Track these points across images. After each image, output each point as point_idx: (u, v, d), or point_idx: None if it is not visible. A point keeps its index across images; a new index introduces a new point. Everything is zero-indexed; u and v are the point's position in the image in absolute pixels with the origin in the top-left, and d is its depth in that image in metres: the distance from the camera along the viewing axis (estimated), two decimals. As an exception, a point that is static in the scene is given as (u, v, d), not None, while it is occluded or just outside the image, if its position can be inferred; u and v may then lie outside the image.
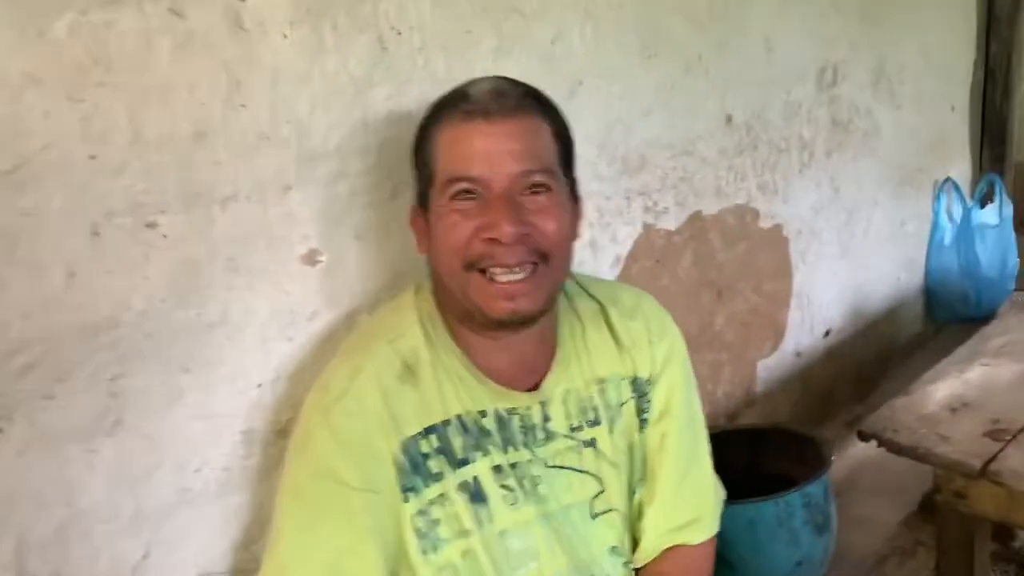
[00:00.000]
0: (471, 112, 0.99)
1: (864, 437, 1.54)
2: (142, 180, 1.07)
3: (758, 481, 1.78)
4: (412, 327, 1.07)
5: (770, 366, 2.16)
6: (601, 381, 1.14)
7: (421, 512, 1.03)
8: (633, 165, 1.71)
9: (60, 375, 1.04)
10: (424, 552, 1.03)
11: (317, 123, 1.21)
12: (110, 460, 1.09)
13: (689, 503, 1.16)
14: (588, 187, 1.61)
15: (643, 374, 1.16)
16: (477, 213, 0.98)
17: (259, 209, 1.18)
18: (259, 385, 1.21)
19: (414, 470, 1.03)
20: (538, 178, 0.99)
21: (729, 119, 1.89)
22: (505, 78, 1.05)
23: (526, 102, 1.01)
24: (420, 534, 1.02)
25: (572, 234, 1.07)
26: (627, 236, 1.73)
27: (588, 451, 1.12)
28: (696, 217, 1.87)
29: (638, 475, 1.16)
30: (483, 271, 0.99)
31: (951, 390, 1.64)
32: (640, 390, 1.16)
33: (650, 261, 1.79)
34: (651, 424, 1.17)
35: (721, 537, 1.54)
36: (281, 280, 1.21)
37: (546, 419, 1.10)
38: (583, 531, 1.11)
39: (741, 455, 1.83)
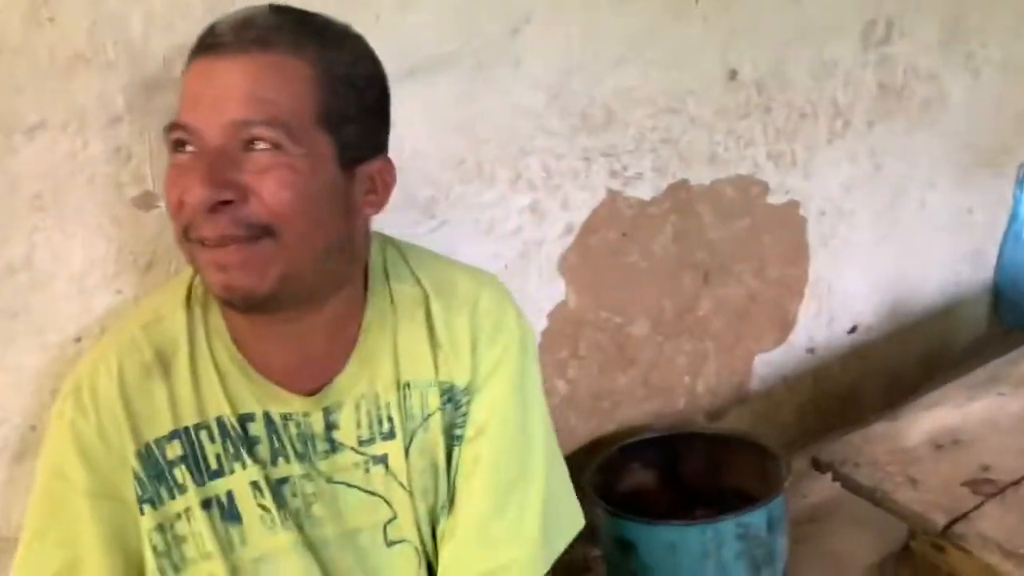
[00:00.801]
0: (207, 47, 0.80)
1: (819, 467, 1.29)
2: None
3: (716, 495, 1.57)
4: (175, 311, 0.91)
5: (772, 362, 1.90)
6: (405, 386, 0.94)
7: (160, 527, 0.89)
8: (596, 121, 1.47)
9: None
10: (163, 572, 0.88)
11: (154, 47, 1.05)
12: None
13: (501, 544, 0.95)
14: (532, 143, 1.40)
15: (460, 382, 0.96)
16: (189, 169, 0.79)
17: (77, 142, 1.03)
18: (78, 340, 1.07)
19: (156, 479, 0.88)
20: (259, 131, 0.77)
21: (733, 75, 1.62)
22: (277, 6, 0.84)
23: (277, 35, 0.79)
24: (158, 552, 0.88)
25: (329, 199, 0.83)
26: (583, 203, 1.50)
27: (378, 469, 0.94)
28: (680, 187, 1.62)
29: (442, 502, 0.97)
30: (200, 242, 0.81)
31: (944, 421, 1.37)
32: (454, 401, 0.96)
33: (615, 233, 1.56)
34: (465, 443, 0.97)
35: (638, 559, 1.34)
36: (104, 224, 1.06)
37: (330, 427, 0.93)
38: (374, 560, 0.94)
39: (698, 462, 1.61)
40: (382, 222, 1.26)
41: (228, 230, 0.78)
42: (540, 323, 1.51)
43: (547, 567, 0.98)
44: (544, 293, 1.50)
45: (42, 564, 0.88)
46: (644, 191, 1.57)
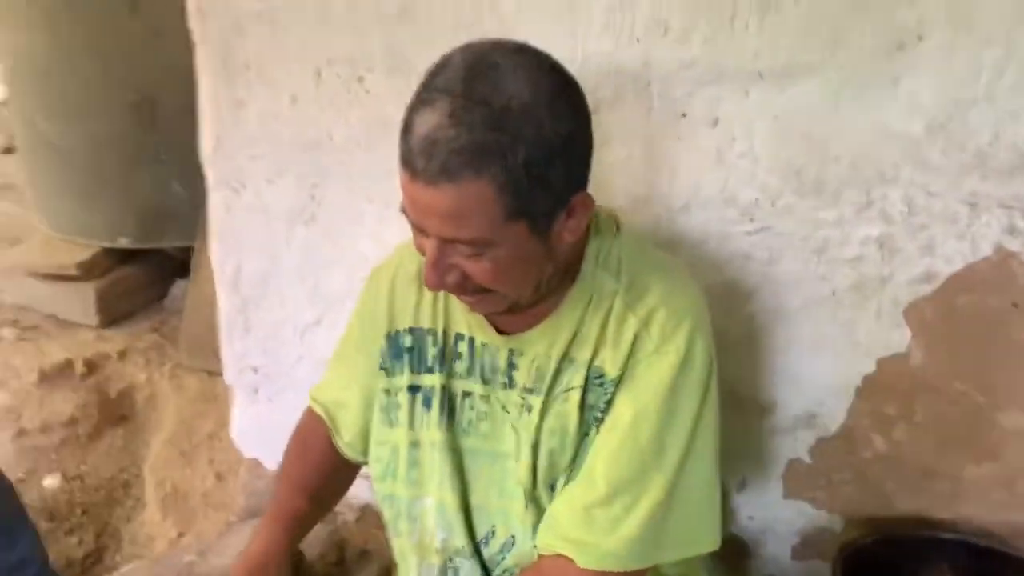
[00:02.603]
0: (407, 159, 0.92)
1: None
2: (356, 41, 1.34)
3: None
4: None
5: None
6: (567, 360, 1.06)
7: (386, 391, 1.17)
8: (998, 164, 1.24)
9: (279, 170, 1.44)
10: (381, 423, 1.17)
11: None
12: (303, 243, 1.49)
13: (595, 527, 1.02)
14: (897, 172, 1.30)
15: (609, 373, 1.03)
16: (422, 242, 0.98)
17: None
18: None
19: (394, 356, 1.16)
20: (460, 246, 0.94)
21: None
22: (462, 99, 0.89)
23: (458, 162, 0.88)
24: (381, 407, 1.17)
25: (528, 260, 0.98)
26: (957, 253, 1.29)
27: (525, 416, 1.07)
28: (1125, 272, 1.27)
29: (565, 464, 1.06)
30: None
31: None
32: (603, 386, 1.04)
33: (1000, 301, 1.31)
34: (603, 428, 1.04)
35: None
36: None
37: (511, 366, 1.09)
38: (509, 488, 1.09)
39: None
40: (694, 218, 1.34)
41: (462, 293, 1.01)
42: (865, 366, 1.37)
43: (638, 566, 1.03)
44: (878, 336, 1.35)
45: (331, 381, 1.28)
46: (1059, 262, 1.28)
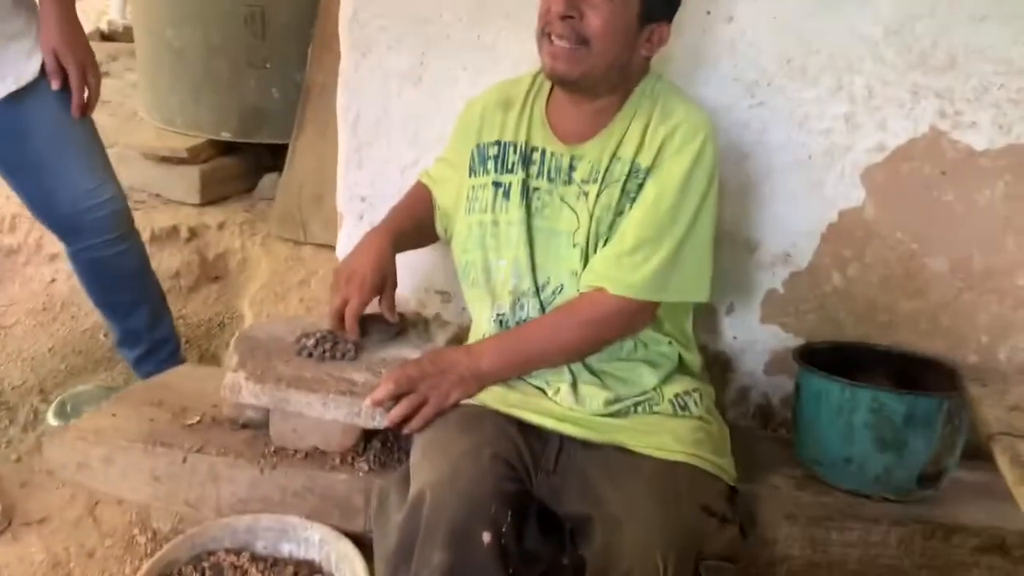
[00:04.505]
0: None
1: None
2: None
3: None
4: (527, 79, 1.62)
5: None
6: (616, 158, 1.51)
7: (473, 187, 1.62)
8: (935, 64, 1.70)
9: (398, 39, 1.90)
10: (466, 211, 1.63)
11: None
12: (409, 100, 1.94)
13: (622, 268, 1.47)
14: (861, 64, 1.74)
15: (643, 165, 1.49)
16: None
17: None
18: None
19: (480, 162, 1.62)
20: None
21: None
22: None
23: None
24: (467, 198, 1.62)
25: (623, 38, 1.45)
26: (902, 130, 1.75)
27: (583, 199, 1.52)
28: (1024, 150, 1.72)
29: (605, 233, 1.51)
30: (549, 36, 1.46)
31: None
32: (636, 175, 1.50)
33: (932, 169, 1.76)
34: (635, 204, 1.49)
35: (798, 399, 1.67)
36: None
37: (572, 168, 1.54)
38: (561, 252, 1.54)
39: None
40: (711, 91, 1.79)
41: (568, 34, 1.44)
42: (829, 215, 1.83)
43: (650, 298, 1.49)
44: (840, 192, 1.81)
45: (432, 172, 1.75)
46: (976, 141, 1.73)
